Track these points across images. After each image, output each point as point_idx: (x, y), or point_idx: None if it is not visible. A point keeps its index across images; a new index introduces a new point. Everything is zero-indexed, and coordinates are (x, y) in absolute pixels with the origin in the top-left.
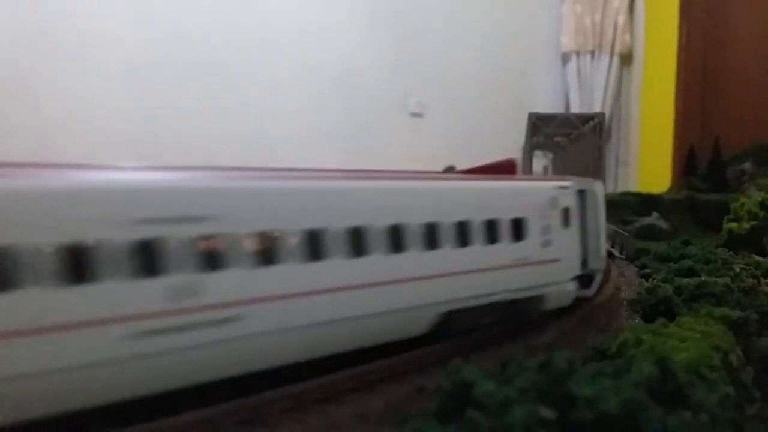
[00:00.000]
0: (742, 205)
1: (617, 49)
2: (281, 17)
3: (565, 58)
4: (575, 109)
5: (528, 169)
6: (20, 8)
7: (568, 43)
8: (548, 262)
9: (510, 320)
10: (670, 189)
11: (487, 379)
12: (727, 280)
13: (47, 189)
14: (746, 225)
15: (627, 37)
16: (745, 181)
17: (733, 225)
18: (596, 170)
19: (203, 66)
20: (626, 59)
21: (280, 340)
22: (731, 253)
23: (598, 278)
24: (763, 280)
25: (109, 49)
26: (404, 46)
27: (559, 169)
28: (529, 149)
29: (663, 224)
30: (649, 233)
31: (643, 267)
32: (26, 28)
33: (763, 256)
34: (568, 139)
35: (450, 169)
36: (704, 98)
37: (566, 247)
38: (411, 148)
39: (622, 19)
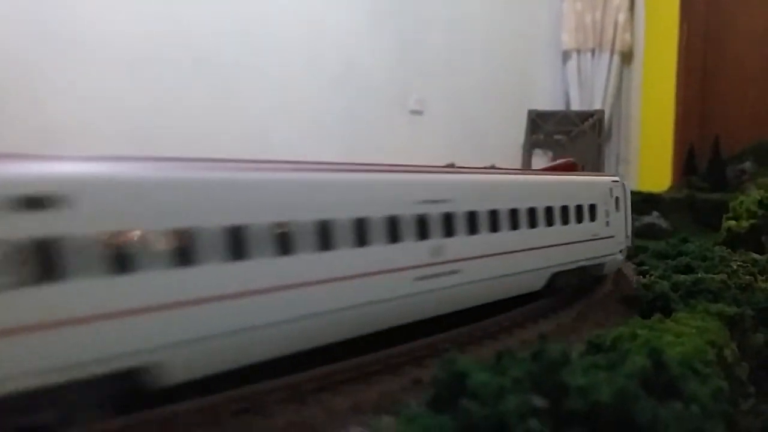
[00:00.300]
0: (741, 203)
1: (617, 47)
2: (282, 13)
3: (565, 56)
4: (575, 107)
5: (528, 167)
6: (20, 2)
7: (568, 41)
8: (608, 238)
9: (584, 280)
10: (671, 188)
11: (482, 370)
12: (724, 276)
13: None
14: (745, 223)
15: (627, 36)
16: (745, 181)
17: (732, 223)
18: (595, 168)
19: (204, 61)
20: (626, 57)
21: (480, 287)
22: (729, 250)
23: (626, 251)
24: (759, 278)
25: (109, 43)
26: (405, 44)
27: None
28: (529, 147)
29: (663, 223)
30: (649, 232)
31: (640, 264)
32: (26, 21)
33: (761, 254)
34: (568, 137)
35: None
36: (704, 97)
37: (618, 227)
38: (410, 145)
39: (622, 17)
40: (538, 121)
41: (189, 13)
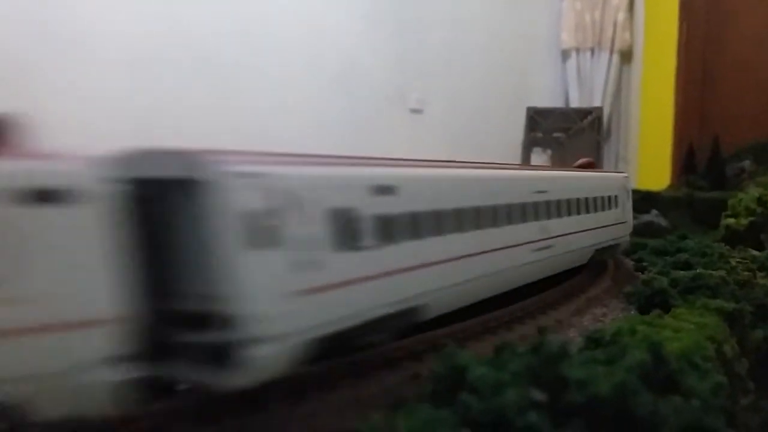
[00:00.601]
0: (740, 201)
1: (617, 46)
2: (282, 11)
3: (564, 54)
4: (575, 106)
5: (528, 164)
6: (20, 1)
7: (567, 39)
8: (623, 223)
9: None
10: (669, 186)
11: (481, 364)
12: (723, 273)
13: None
14: (744, 221)
15: (627, 35)
16: (745, 179)
17: (731, 221)
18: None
19: (203, 60)
20: (626, 56)
21: (561, 259)
22: (727, 247)
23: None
24: (758, 274)
25: (109, 42)
26: (404, 42)
27: (558, 165)
28: (528, 145)
29: (662, 221)
30: (648, 230)
31: (639, 260)
32: (26, 19)
33: (760, 252)
34: (567, 135)
35: None
36: (704, 96)
37: (628, 214)
38: (410, 144)
39: (622, 17)
40: (536, 119)
41: (189, 14)
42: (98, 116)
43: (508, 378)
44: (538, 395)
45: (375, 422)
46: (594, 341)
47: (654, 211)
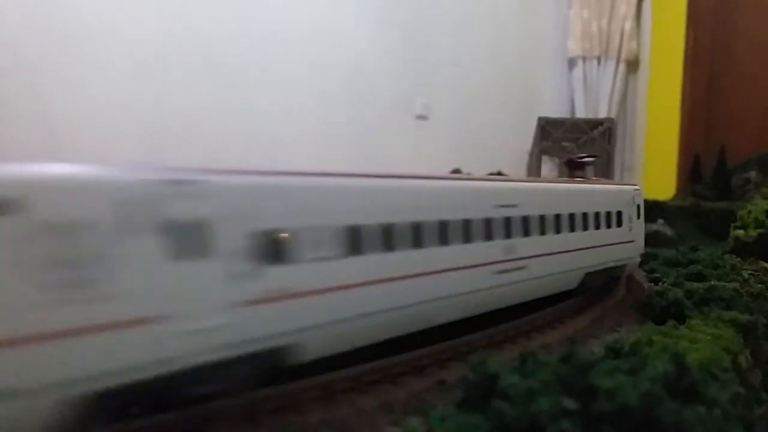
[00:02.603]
0: (749, 212)
1: (623, 55)
2: (290, 17)
3: (571, 63)
4: (580, 114)
5: (537, 174)
6: (27, 0)
7: (574, 48)
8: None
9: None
10: (675, 196)
11: (511, 372)
12: (736, 285)
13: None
14: (753, 233)
15: (633, 44)
16: (750, 190)
17: (740, 232)
18: (605, 176)
19: (211, 62)
20: (632, 65)
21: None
22: (738, 259)
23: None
24: None
25: (116, 43)
26: (411, 48)
27: (566, 174)
28: (538, 154)
29: (668, 231)
30: (653, 240)
31: (651, 271)
32: (33, 20)
33: None
34: (576, 144)
35: (456, 173)
36: (710, 106)
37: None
38: (416, 150)
39: (629, 26)
40: (548, 128)
41: (197, 15)
42: (103, 114)
43: (539, 386)
44: (570, 403)
45: (410, 426)
46: (614, 351)
47: (660, 221)
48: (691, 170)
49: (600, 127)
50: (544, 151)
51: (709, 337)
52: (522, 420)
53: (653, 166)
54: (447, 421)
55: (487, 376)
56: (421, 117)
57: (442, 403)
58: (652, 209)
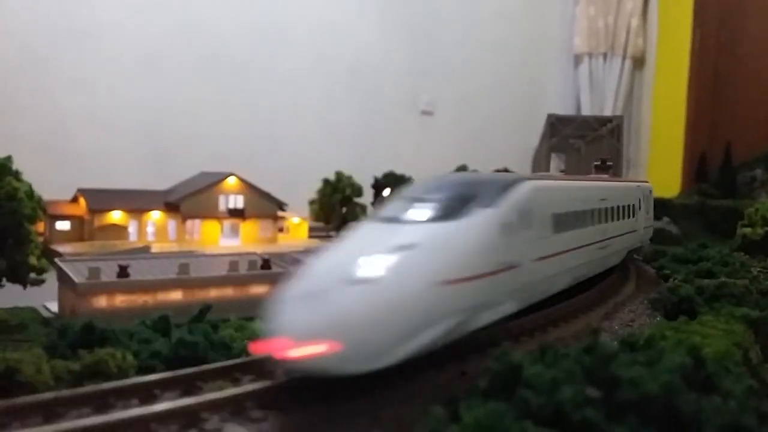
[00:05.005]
0: (756, 210)
1: (630, 52)
2: (296, 13)
3: (577, 59)
4: (586, 111)
5: (546, 170)
6: None
7: (580, 44)
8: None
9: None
10: (680, 194)
11: (534, 362)
12: (746, 281)
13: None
14: (760, 230)
15: (640, 41)
16: (756, 188)
17: (748, 230)
18: (614, 173)
19: (217, 59)
20: (638, 62)
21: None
22: (747, 256)
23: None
24: None
25: (124, 39)
26: (417, 45)
27: (574, 170)
28: (547, 150)
29: (673, 229)
30: (659, 238)
31: (661, 268)
32: (43, 16)
33: None
34: (584, 141)
35: (462, 170)
36: (715, 103)
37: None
38: (420, 146)
39: (635, 23)
40: (557, 125)
41: (204, 12)
42: (112, 110)
43: (563, 376)
44: (593, 392)
45: (438, 413)
46: (629, 344)
47: (665, 218)
48: (696, 168)
49: (609, 125)
50: (554, 148)
51: (720, 333)
52: (546, 408)
53: (658, 163)
54: (474, 409)
55: (510, 366)
56: (426, 113)
57: (465, 393)
58: (658, 207)
